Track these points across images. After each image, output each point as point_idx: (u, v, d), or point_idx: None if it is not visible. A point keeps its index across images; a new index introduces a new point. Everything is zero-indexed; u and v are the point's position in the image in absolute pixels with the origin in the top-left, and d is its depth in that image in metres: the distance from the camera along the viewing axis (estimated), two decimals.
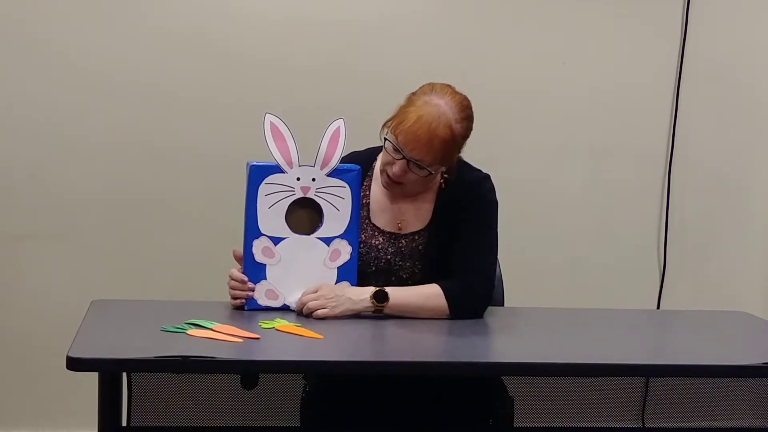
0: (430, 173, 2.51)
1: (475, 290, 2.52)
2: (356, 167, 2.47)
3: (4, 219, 3.51)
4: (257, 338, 2.20)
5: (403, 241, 2.60)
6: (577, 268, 3.81)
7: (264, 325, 2.29)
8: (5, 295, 3.53)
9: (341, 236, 2.47)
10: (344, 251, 2.48)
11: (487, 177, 2.64)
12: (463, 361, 2.20)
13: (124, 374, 2.41)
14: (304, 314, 2.42)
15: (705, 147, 3.84)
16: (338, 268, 2.48)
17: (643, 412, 2.90)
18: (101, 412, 2.20)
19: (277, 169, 2.42)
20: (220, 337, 2.19)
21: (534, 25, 3.70)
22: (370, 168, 2.67)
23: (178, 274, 3.56)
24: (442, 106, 2.46)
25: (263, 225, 2.43)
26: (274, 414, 2.63)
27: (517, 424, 2.62)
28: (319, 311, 2.41)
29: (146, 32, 3.50)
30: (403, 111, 2.48)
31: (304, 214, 2.46)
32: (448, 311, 2.48)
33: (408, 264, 2.58)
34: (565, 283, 3.80)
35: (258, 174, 2.41)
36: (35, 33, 3.45)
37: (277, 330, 2.28)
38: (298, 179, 2.43)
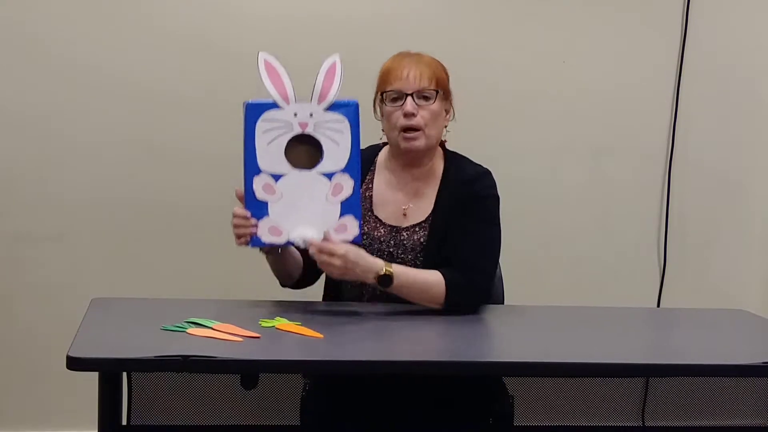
0: (436, 94, 2.57)
1: (474, 285, 2.53)
2: (354, 101, 2.46)
3: (4, 218, 3.51)
4: (257, 337, 2.20)
5: (404, 234, 2.61)
6: (577, 266, 3.81)
7: (264, 324, 2.29)
8: (5, 293, 3.53)
9: (343, 170, 2.44)
10: (346, 185, 2.45)
11: (488, 172, 2.66)
12: (463, 361, 2.20)
13: (124, 373, 2.41)
14: (309, 253, 2.43)
15: (705, 146, 3.84)
16: (341, 202, 2.45)
17: (643, 411, 2.90)
18: (101, 412, 2.20)
19: (273, 106, 2.40)
20: (220, 336, 2.19)
21: (534, 24, 3.70)
22: (373, 163, 2.70)
23: (178, 272, 3.56)
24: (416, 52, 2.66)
25: (262, 162, 2.40)
26: (274, 413, 2.63)
27: (517, 423, 2.62)
28: (324, 266, 2.43)
29: (146, 32, 3.50)
30: (382, 71, 2.64)
31: (304, 150, 2.43)
32: (443, 302, 2.50)
33: (410, 256, 2.60)
34: (565, 282, 3.80)
35: (255, 111, 2.40)
36: (34, 33, 3.45)
37: (278, 329, 2.28)
38: (296, 115, 2.41)
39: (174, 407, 2.55)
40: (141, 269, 3.57)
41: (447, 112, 2.66)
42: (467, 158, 2.70)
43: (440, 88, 2.60)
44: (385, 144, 2.73)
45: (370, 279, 2.46)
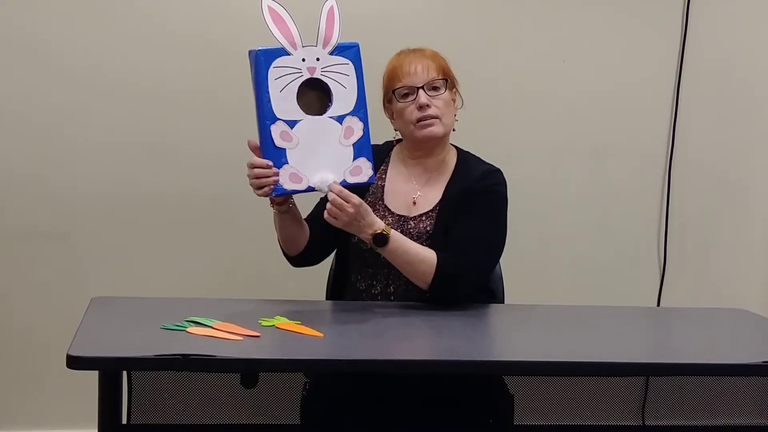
0: (446, 83, 2.63)
1: (462, 274, 2.55)
2: (355, 43, 2.48)
3: (4, 216, 3.51)
4: (257, 336, 2.20)
5: (411, 223, 2.65)
6: (577, 265, 3.81)
7: (264, 323, 2.29)
8: (5, 292, 3.53)
9: (351, 113, 2.46)
10: (356, 128, 2.46)
11: (499, 171, 2.70)
12: (463, 360, 2.20)
13: (124, 372, 2.41)
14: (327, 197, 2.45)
15: (705, 146, 3.84)
16: (353, 144, 2.46)
17: (643, 410, 2.89)
18: (101, 411, 2.20)
19: (283, 52, 2.41)
20: (221, 335, 2.19)
21: (534, 24, 3.71)
22: (388, 156, 2.76)
23: (179, 271, 3.56)
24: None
25: (278, 109, 2.41)
26: (274, 412, 2.63)
27: (517, 422, 2.62)
28: (330, 219, 2.44)
29: (148, 31, 3.50)
30: (388, 69, 2.69)
31: (313, 96, 2.44)
32: (429, 281, 2.52)
33: None
34: (565, 281, 3.80)
35: (266, 58, 2.40)
36: (36, 33, 3.45)
37: (277, 328, 2.28)
38: (304, 60, 2.42)
39: (174, 406, 2.55)
40: (141, 268, 3.57)
41: (454, 100, 2.70)
42: (480, 158, 2.75)
43: (447, 77, 2.66)
44: (399, 140, 2.77)
45: (368, 234, 2.48)
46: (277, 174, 2.41)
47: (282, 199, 2.52)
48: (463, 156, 2.74)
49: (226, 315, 2.35)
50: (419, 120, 2.62)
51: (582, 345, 2.36)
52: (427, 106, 2.61)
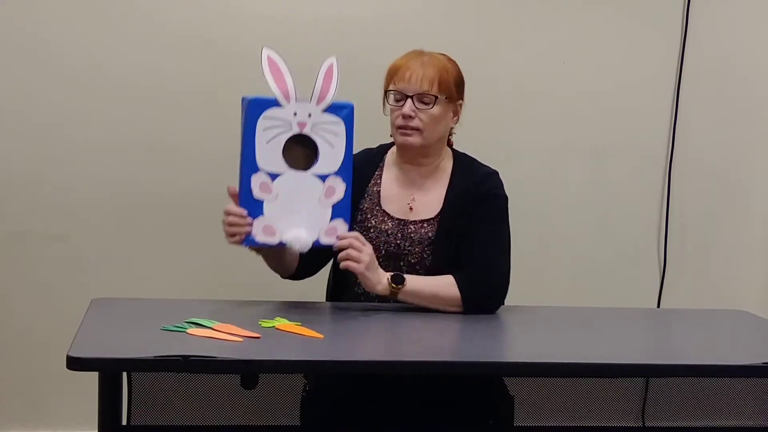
0: (436, 100, 2.57)
1: (489, 285, 2.55)
2: (350, 103, 2.46)
3: (4, 217, 3.51)
4: (257, 337, 2.19)
5: (411, 227, 2.63)
6: (577, 266, 3.81)
7: (264, 324, 2.29)
8: (5, 293, 3.53)
9: (336, 173, 2.44)
10: (338, 188, 2.45)
11: (496, 173, 2.68)
12: (463, 361, 2.20)
13: (124, 373, 2.41)
14: (334, 249, 2.44)
15: (705, 146, 3.84)
16: (333, 205, 2.45)
17: (643, 412, 2.89)
18: (101, 412, 2.20)
19: (275, 103, 2.40)
20: (221, 336, 2.19)
21: (534, 25, 3.71)
22: (382, 160, 2.73)
23: (179, 272, 3.56)
24: (429, 51, 2.66)
25: (261, 160, 2.40)
26: (274, 413, 2.63)
27: (518, 423, 2.62)
28: (353, 264, 2.43)
29: (147, 31, 3.50)
30: (393, 65, 2.65)
31: (300, 151, 2.43)
32: (461, 303, 2.51)
33: (417, 249, 2.60)
34: (565, 282, 3.80)
35: (257, 107, 2.39)
36: (35, 33, 3.45)
37: (277, 329, 2.28)
38: (295, 114, 2.41)
39: (174, 407, 2.55)
40: (141, 269, 3.57)
41: (455, 113, 2.66)
42: (476, 159, 2.72)
43: (442, 93, 2.60)
44: (393, 143, 2.75)
45: (385, 279, 2.48)
46: (250, 224, 2.40)
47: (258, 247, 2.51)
48: (460, 159, 2.71)
49: (226, 316, 2.35)
50: (399, 127, 2.60)
51: (582, 346, 2.36)
52: (410, 117, 2.58)
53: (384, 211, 2.66)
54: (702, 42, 3.78)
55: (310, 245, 2.43)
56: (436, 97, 2.58)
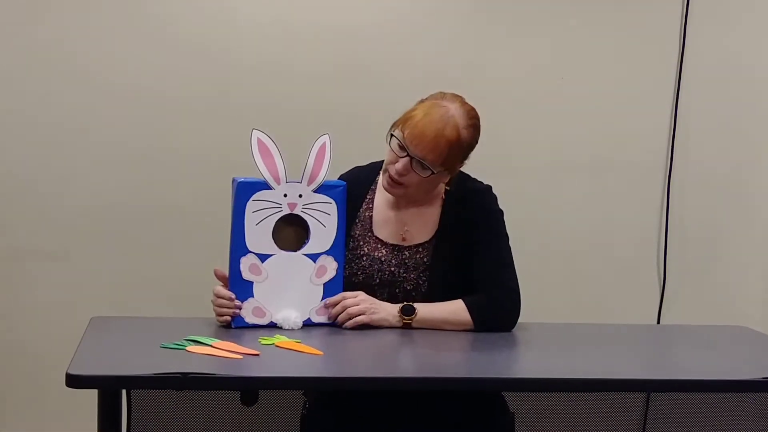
0: (433, 173, 2.50)
1: (501, 303, 2.55)
2: (342, 183, 2.48)
3: (4, 236, 3.51)
4: (257, 354, 2.19)
5: (406, 253, 2.60)
6: (576, 282, 3.81)
7: (264, 342, 2.29)
8: (5, 311, 3.53)
9: (327, 252, 2.46)
10: (330, 267, 2.47)
11: (489, 188, 2.67)
12: (463, 377, 2.20)
13: (124, 391, 2.40)
14: (338, 323, 2.44)
15: (704, 159, 3.84)
16: (324, 284, 2.47)
17: (644, 427, 2.89)
18: (101, 429, 2.19)
19: (264, 186, 2.41)
20: (220, 353, 2.18)
21: (532, 39, 3.71)
22: (374, 182, 2.68)
23: (178, 290, 3.56)
24: (452, 110, 2.50)
25: (250, 242, 2.41)
26: (274, 430, 2.62)
27: None
28: (358, 318, 2.43)
29: (150, 42, 3.51)
30: (411, 111, 2.51)
31: (291, 231, 2.45)
32: (472, 326, 2.50)
33: (413, 276, 2.58)
34: (564, 298, 3.79)
35: (245, 191, 2.40)
36: (34, 44, 3.46)
37: (277, 346, 2.28)
38: (285, 195, 2.42)
39: (174, 425, 2.55)
40: (141, 286, 3.57)
41: (450, 174, 2.59)
42: (468, 175, 2.68)
43: (444, 167, 2.52)
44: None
45: (395, 311, 2.48)
46: (239, 307, 2.42)
47: None
48: (452, 177, 2.62)
49: (226, 333, 2.35)
50: (390, 177, 2.54)
51: (582, 362, 2.35)
52: (402, 174, 2.50)
53: (377, 237, 2.62)
54: (700, 52, 3.79)
55: (300, 325, 2.44)
56: (433, 172, 2.51)
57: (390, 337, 2.44)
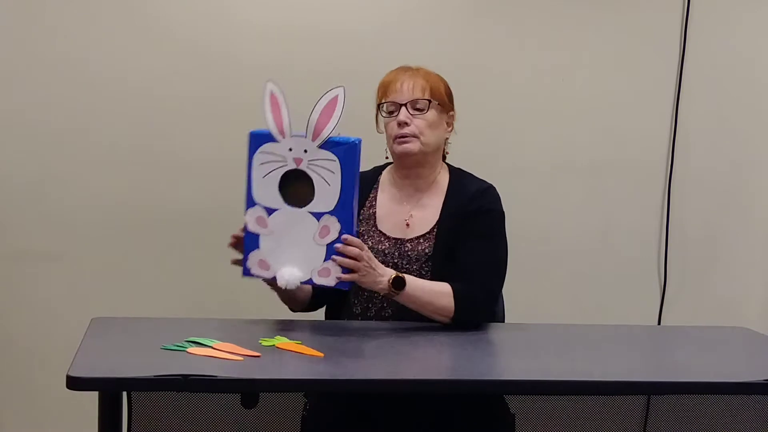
0: (429, 103, 2.61)
1: (477, 301, 2.55)
2: (352, 140, 2.40)
3: (4, 237, 3.51)
4: (258, 356, 2.19)
5: (408, 245, 2.63)
6: (577, 283, 3.81)
7: (264, 343, 2.29)
8: (5, 311, 3.53)
9: (331, 212, 2.40)
10: (333, 228, 2.40)
11: (492, 187, 2.69)
12: (464, 379, 2.20)
13: (124, 393, 2.40)
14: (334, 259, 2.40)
15: (705, 161, 3.84)
16: (327, 245, 2.41)
17: (645, 429, 2.89)
18: (101, 431, 2.19)
19: (271, 138, 2.40)
20: (221, 355, 2.18)
21: (532, 41, 3.72)
22: (376, 181, 2.74)
23: (178, 291, 3.56)
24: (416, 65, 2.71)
25: (257, 194, 2.41)
26: None
27: None
28: (350, 275, 2.40)
29: (150, 43, 3.51)
30: (382, 80, 2.69)
31: (300, 186, 2.41)
32: (452, 314, 2.51)
33: (415, 267, 2.60)
34: (565, 299, 3.80)
35: (254, 142, 2.41)
36: (33, 49, 3.46)
37: (278, 348, 2.28)
38: (291, 150, 2.40)
39: (174, 427, 2.54)
40: (141, 287, 3.57)
41: (448, 124, 2.69)
42: (472, 174, 2.73)
43: (434, 98, 2.64)
44: (389, 164, 2.76)
45: (385, 281, 2.46)
46: (238, 237, 2.43)
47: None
48: (456, 174, 2.72)
49: (226, 335, 2.34)
50: (397, 137, 2.62)
51: (583, 364, 2.35)
52: (405, 123, 2.61)
53: (380, 231, 2.66)
54: (701, 55, 3.79)
55: (298, 283, 2.42)
56: (429, 101, 2.63)
57: (391, 339, 2.44)
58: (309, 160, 2.39)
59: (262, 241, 2.42)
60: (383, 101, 2.66)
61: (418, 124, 2.61)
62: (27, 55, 3.46)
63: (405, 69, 2.70)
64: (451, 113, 2.71)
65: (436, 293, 2.52)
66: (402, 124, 2.61)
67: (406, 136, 2.61)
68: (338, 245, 2.40)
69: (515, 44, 3.71)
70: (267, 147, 2.40)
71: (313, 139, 2.38)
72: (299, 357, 2.23)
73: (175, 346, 2.22)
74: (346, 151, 2.38)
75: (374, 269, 2.45)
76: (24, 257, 3.53)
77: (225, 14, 3.54)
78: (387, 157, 2.73)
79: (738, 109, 3.84)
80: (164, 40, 3.52)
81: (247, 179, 2.42)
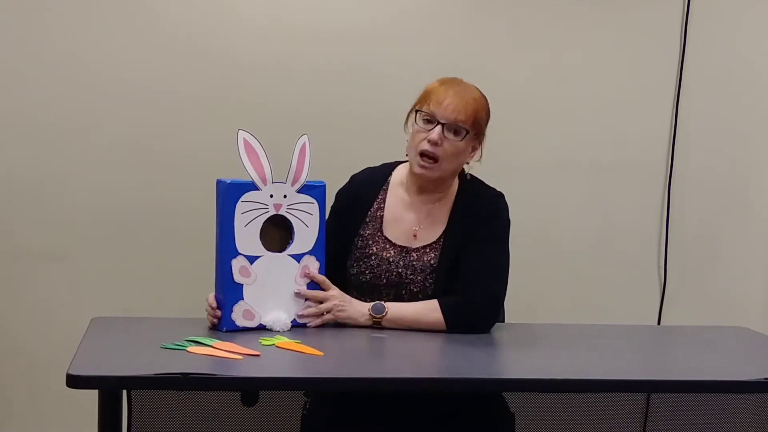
0: (467, 133, 2.55)
1: (473, 305, 2.53)
2: (321, 183, 2.49)
3: (4, 235, 3.51)
4: (257, 355, 2.19)
5: (414, 255, 2.61)
6: (577, 282, 3.81)
7: (264, 342, 2.29)
8: (5, 312, 3.53)
9: (310, 252, 2.48)
10: (313, 267, 2.49)
11: (501, 195, 2.67)
12: (463, 377, 2.20)
13: (124, 391, 2.40)
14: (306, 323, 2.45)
15: (705, 161, 3.84)
16: (307, 285, 2.48)
17: (644, 428, 2.89)
18: (101, 430, 2.19)
19: (252, 187, 2.42)
20: (221, 354, 2.19)
21: (532, 41, 3.71)
22: (386, 182, 2.70)
23: (178, 290, 3.56)
24: (464, 81, 2.64)
25: (240, 244, 2.42)
26: (274, 430, 2.62)
27: None
28: (325, 316, 2.46)
29: (149, 42, 3.51)
30: (429, 88, 2.61)
31: (275, 232, 2.46)
32: (445, 325, 2.50)
33: (419, 278, 2.59)
34: (565, 299, 3.79)
35: (233, 192, 2.41)
36: (33, 51, 3.46)
37: (278, 347, 2.28)
38: (272, 196, 2.43)
39: (174, 425, 2.55)
40: (141, 286, 3.57)
41: (474, 149, 2.63)
42: (482, 181, 2.70)
43: (473, 128, 2.58)
44: (400, 162, 2.73)
45: (365, 310, 2.50)
46: (217, 317, 2.42)
47: None
48: (465, 180, 2.67)
49: (226, 334, 2.35)
50: (422, 153, 2.56)
51: (583, 362, 2.36)
52: (435, 144, 2.54)
53: (386, 238, 2.63)
54: (701, 55, 3.79)
55: (289, 326, 2.45)
56: (467, 131, 2.56)
57: (390, 339, 2.44)
58: (288, 205, 2.45)
59: (245, 292, 2.43)
60: (422, 109, 2.57)
61: (446, 148, 2.54)
62: (27, 54, 3.46)
63: (456, 83, 2.61)
64: (481, 139, 2.64)
65: (421, 312, 2.52)
66: (432, 143, 2.54)
67: (429, 158, 2.55)
68: (301, 290, 2.47)
69: (515, 44, 3.70)
70: (249, 195, 2.42)
71: (293, 185, 2.45)
72: (299, 356, 2.23)
73: (174, 345, 2.23)
74: (320, 193, 2.49)
75: (349, 302, 2.50)
76: (24, 257, 3.52)
77: (225, 14, 3.54)
78: (407, 155, 2.67)
79: (738, 109, 3.84)
80: (164, 40, 3.52)
81: (223, 230, 2.42)
